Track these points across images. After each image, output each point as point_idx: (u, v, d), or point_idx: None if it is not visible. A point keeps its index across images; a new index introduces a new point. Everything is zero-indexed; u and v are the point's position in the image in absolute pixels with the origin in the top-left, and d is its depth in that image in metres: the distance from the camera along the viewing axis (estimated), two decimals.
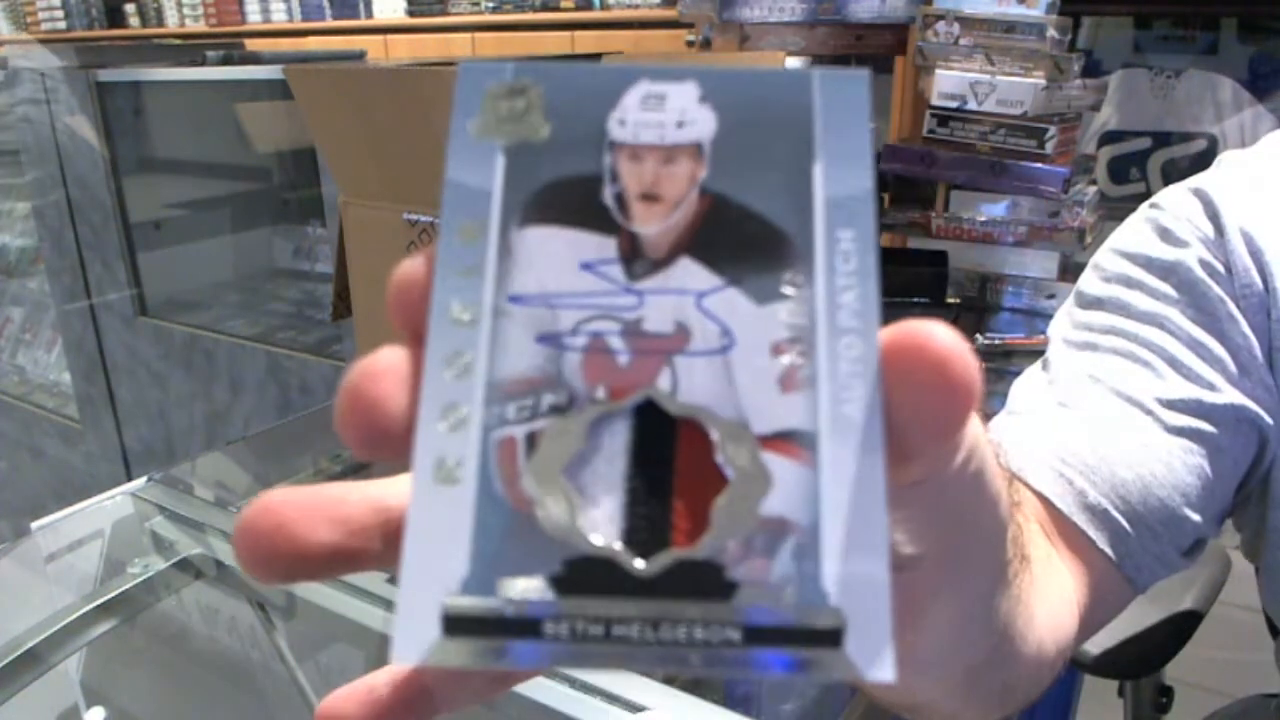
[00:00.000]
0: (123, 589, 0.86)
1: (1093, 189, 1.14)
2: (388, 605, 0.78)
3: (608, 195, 0.19)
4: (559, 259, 0.18)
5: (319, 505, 0.19)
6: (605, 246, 0.19)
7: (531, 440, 0.17)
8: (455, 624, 0.16)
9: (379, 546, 0.19)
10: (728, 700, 0.88)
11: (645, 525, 0.17)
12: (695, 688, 0.67)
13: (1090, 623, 0.45)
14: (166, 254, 1.92)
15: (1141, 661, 0.91)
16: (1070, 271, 1.10)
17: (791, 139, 0.19)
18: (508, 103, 0.19)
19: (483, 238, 0.18)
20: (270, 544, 0.18)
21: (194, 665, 0.94)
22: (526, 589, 0.16)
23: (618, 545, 0.17)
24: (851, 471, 0.17)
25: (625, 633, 0.16)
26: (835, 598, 0.16)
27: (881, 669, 0.16)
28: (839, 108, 0.19)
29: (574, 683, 0.65)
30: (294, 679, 0.81)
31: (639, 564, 0.17)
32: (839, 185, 0.19)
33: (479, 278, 0.18)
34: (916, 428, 0.18)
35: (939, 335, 0.17)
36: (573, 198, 0.19)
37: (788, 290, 0.18)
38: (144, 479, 1.00)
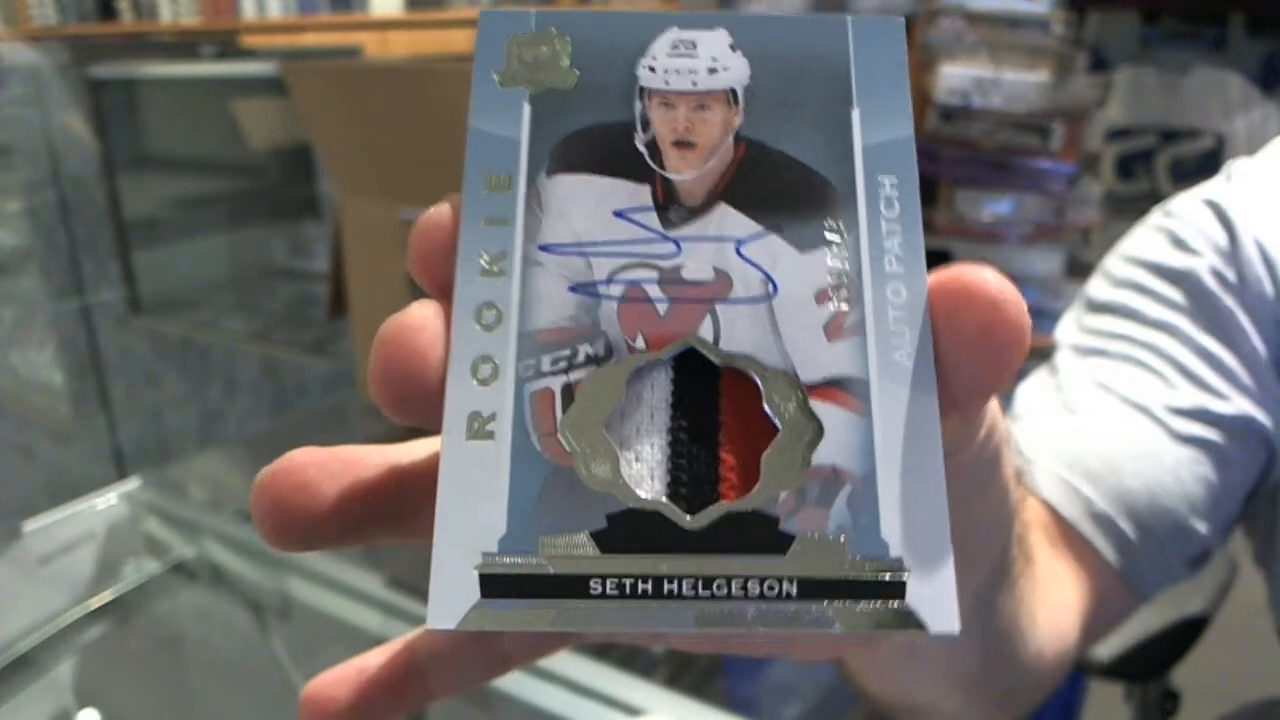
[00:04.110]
0: (116, 592, 0.85)
1: (1099, 186, 1.13)
2: (385, 609, 0.78)
3: (640, 142, 0.18)
4: (591, 207, 0.18)
5: (341, 465, 0.18)
6: (639, 194, 0.18)
7: (568, 392, 0.17)
8: (495, 584, 0.15)
9: (394, 515, 0.18)
10: (729, 703, 0.87)
11: (692, 478, 0.17)
12: (696, 690, 0.66)
13: (1092, 632, 0.45)
14: (161, 252, 1.91)
15: (1147, 666, 0.90)
16: (1076, 270, 1.09)
17: (827, 85, 0.19)
18: (533, 50, 0.19)
19: (510, 187, 0.18)
20: (290, 505, 0.17)
21: (188, 669, 0.93)
22: (570, 545, 0.16)
23: (664, 499, 0.16)
24: (904, 417, 0.16)
25: (676, 589, 0.15)
26: (896, 548, 0.15)
27: (946, 620, 0.15)
28: (875, 54, 0.19)
29: (571, 686, 0.64)
30: (289, 683, 0.80)
31: (688, 518, 0.16)
32: (878, 131, 0.18)
33: (508, 227, 0.17)
34: (964, 375, 0.17)
35: (988, 279, 0.16)
36: (603, 145, 0.18)
37: (830, 237, 0.17)
38: (137, 480, 0.99)
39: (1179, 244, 0.50)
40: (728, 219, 0.18)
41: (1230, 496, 0.47)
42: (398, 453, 0.19)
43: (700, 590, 0.15)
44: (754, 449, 0.16)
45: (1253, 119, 1.40)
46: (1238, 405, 0.46)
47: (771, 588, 0.15)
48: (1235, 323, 0.47)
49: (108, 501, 0.95)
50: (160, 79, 1.80)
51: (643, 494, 0.16)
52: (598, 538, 0.16)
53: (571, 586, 0.15)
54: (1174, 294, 0.49)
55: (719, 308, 0.17)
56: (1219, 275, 0.48)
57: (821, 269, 0.17)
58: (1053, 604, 0.40)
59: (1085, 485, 0.45)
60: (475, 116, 0.18)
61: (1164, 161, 1.45)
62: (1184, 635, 0.89)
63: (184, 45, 1.69)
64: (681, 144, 0.18)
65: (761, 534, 0.16)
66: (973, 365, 0.17)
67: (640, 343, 0.17)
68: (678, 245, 0.18)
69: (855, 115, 0.18)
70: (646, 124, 0.18)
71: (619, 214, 0.18)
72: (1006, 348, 0.16)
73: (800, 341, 0.17)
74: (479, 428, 0.16)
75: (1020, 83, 1.04)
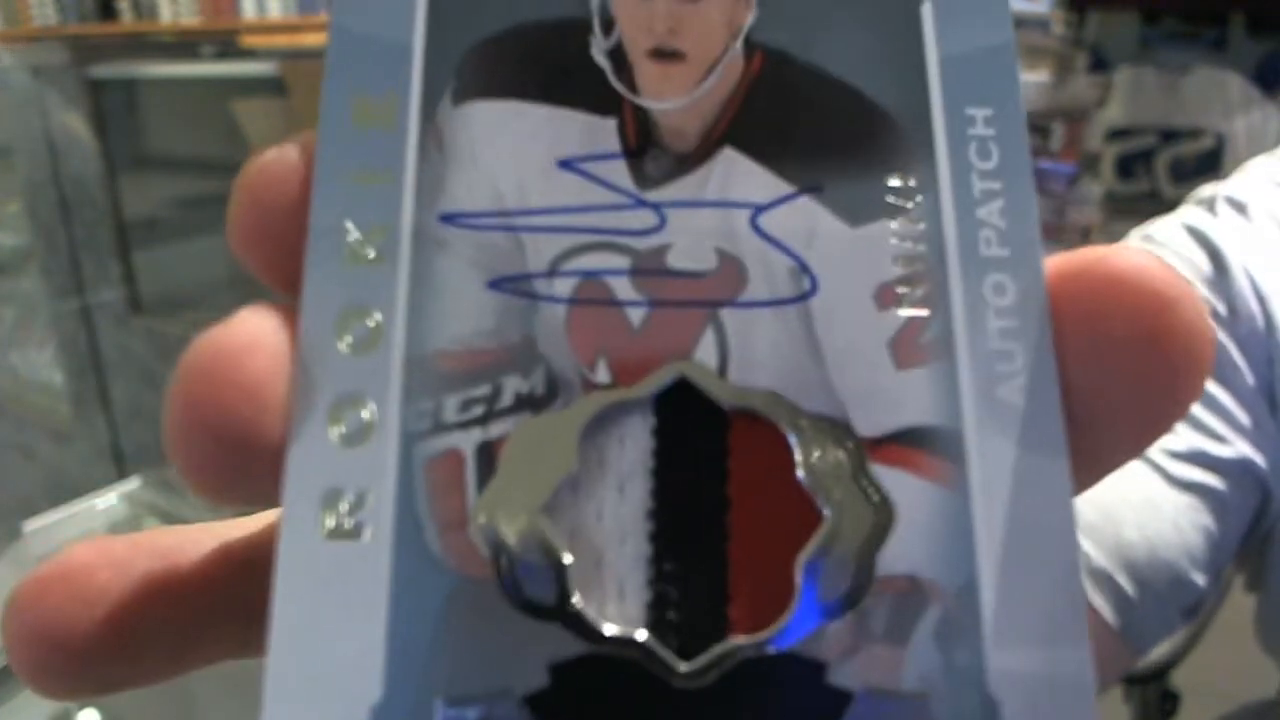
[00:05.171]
0: None
1: (1099, 186, 1.13)
2: None
3: (599, 51, 0.12)
4: (523, 153, 0.12)
5: (149, 560, 0.12)
6: (599, 132, 0.12)
7: (486, 456, 0.11)
8: None
9: (238, 621, 0.12)
10: None
11: (686, 597, 0.11)
12: None
13: None
14: (161, 252, 1.91)
15: (1146, 665, 0.91)
16: None
17: None
18: None
19: (395, 119, 0.12)
20: (72, 631, 0.11)
21: None
22: (490, 716, 0.10)
23: (641, 634, 0.10)
24: (1019, 491, 0.11)
25: None
26: (1016, 711, 0.10)
27: None
28: None
29: None
30: None
31: (681, 666, 0.10)
32: (962, 35, 0.12)
33: (391, 184, 0.11)
34: (1111, 420, 0.11)
35: (1150, 267, 0.11)
36: (542, 55, 0.12)
37: (895, 200, 0.12)
38: (137, 480, 0.99)
39: None
40: (737, 173, 0.12)
41: (1227, 543, 0.46)
42: (236, 530, 0.13)
43: None
44: (783, 545, 0.11)
45: (1253, 119, 1.40)
46: (1237, 448, 0.45)
47: None
48: (1228, 358, 0.46)
49: (108, 501, 0.95)
50: (160, 79, 1.80)
51: (608, 626, 0.10)
52: (535, 704, 0.10)
53: None
54: None
55: (726, 315, 0.11)
56: (1209, 307, 0.46)
57: (883, 251, 0.11)
58: None
59: (1080, 538, 0.42)
60: (340, 4, 0.12)
61: (1164, 161, 1.45)
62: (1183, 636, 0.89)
63: (184, 45, 1.69)
64: (663, 54, 0.12)
65: (799, 689, 0.10)
66: (1128, 404, 0.11)
67: (602, 373, 0.11)
68: (660, 214, 0.12)
69: (927, 11, 0.12)
70: (609, 22, 0.12)
71: (567, 164, 0.12)
72: (1184, 375, 0.11)
73: (854, 369, 0.11)
74: (341, 516, 0.10)
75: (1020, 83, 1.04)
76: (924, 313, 0.11)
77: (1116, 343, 0.11)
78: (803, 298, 0.11)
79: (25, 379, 2.10)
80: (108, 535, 0.12)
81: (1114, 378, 0.11)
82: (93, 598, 0.11)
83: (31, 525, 0.92)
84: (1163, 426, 0.12)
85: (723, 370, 0.11)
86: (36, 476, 2.07)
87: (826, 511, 0.11)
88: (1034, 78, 1.04)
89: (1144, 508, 0.44)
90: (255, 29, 1.58)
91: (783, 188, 0.12)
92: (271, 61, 1.52)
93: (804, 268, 0.12)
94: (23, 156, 1.89)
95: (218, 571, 0.12)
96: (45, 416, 2.06)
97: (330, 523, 0.11)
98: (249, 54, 1.72)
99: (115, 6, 1.74)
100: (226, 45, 1.59)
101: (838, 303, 0.11)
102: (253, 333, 0.11)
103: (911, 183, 0.12)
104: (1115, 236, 0.55)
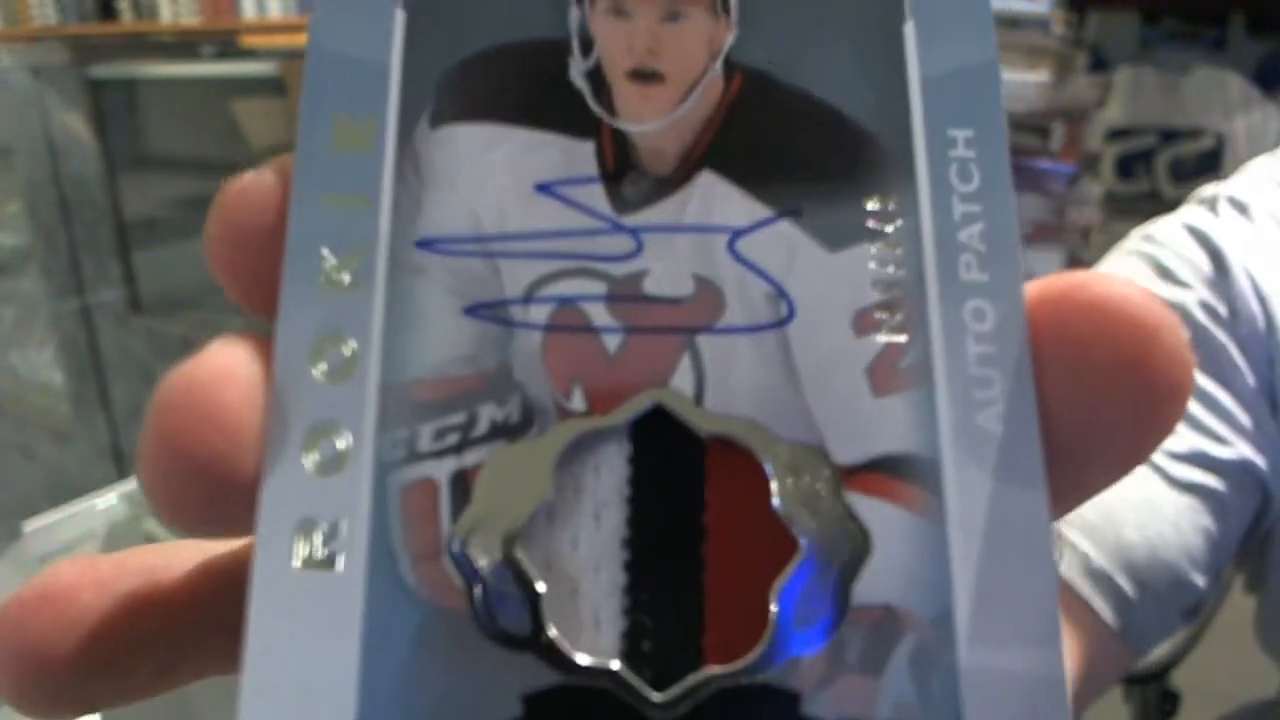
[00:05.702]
0: None
1: (1099, 186, 1.13)
2: None
3: (577, 72, 0.12)
4: (500, 176, 0.12)
5: (132, 579, 0.12)
6: (577, 155, 0.12)
7: (461, 485, 0.11)
8: None
9: (221, 637, 0.12)
10: None
11: (661, 626, 0.11)
12: None
13: (1082, 699, 0.43)
14: (161, 252, 1.91)
15: (1145, 666, 0.91)
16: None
17: None
18: None
19: (372, 140, 0.12)
20: (55, 653, 0.11)
21: None
22: None
23: (615, 664, 0.10)
24: (996, 521, 0.10)
25: None
26: None
27: None
28: None
29: None
30: None
31: (655, 696, 0.10)
32: (945, 55, 0.12)
33: (368, 209, 0.11)
34: (1090, 448, 0.11)
35: (1130, 293, 0.11)
36: (520, 77, 0.12)
37: (875, 225, 0.12)
38: (138, 480, 0.99)
39: (1165, 274, 0.48)
40: (715, 197, 0.12)
41: (1227, 544, 0.46)
42: (220, 545, 0.13)
43: None
44: (759, 575, 0.11)
45: (1253, 119, 1.41)
46: (1237, 450, 0.45)
47: None
48: (1228, 358, 0.46)
49: (108, 501, 0.95)
50: (160, 79, 1.80)
51: (582, 656, 0.10)
52: None
53: None
54: None
55: (703, 342, 0.11)
56: (1209, 309, 0.46)
57: (862, 276, 0.11)
58: None
59: (1081, 539, 0.43)
60: (318, 24, 0.12)
61: (1164, 161, 1.46)
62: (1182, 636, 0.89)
63: (184, 45, 1.69)
64: (643, 75, 0.12)
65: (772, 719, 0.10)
66: (1108, 431, 0.11)
67: (578, 400, 0.11)
68: (637, 239, 0.12)
69: (909, 30, 0.12)
70: (588, 44, 0.12)
71: (544, 188, 0.12)
72: (1165, 402, 0.11)
73: (831, 396, 0.11)
74: (314, 546, 0.10)
75: (1020, 83, 1.04)
76: (902, 338, 0.11)
77: (1097, 369, 0.11)
78: (780, 323, 0.11)
79: (25, 379, 2.09)
80: (92, 555, 0.12)
81: (1094, 404, 0.11)
82: (76, 618, 0.11)
83: (31, 525, 0.92)
84: (1143, 453, 0.11)
85: (699, 397, 0.11)
86: (36, 476, 2.07)
87: (803, 541, 0.11)
88: (1034, 78, 1.04)
89: (1144, 508, 0.44)
90: (255, 29, 1.58)
91: (761, 211, 0.12)
92: (271, 61, 1.52)
93: (781, 293, 0.11)
94: (23, 156, 1.89)
95: (202, 588, 0.12)
96: (45, 416, 2.06)
97: (304, 552, 0.10)
98: (249, 54, 1.72)
99: (115, 6, 1.74)
100: (226, 45, 1.59)
101: (815, 328, 0.11)
102: (225, 364, 0.11)
103: (891, 206, 0.12)
104: (1115, 236, 0.55)
